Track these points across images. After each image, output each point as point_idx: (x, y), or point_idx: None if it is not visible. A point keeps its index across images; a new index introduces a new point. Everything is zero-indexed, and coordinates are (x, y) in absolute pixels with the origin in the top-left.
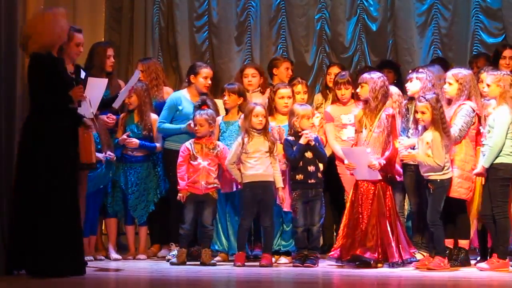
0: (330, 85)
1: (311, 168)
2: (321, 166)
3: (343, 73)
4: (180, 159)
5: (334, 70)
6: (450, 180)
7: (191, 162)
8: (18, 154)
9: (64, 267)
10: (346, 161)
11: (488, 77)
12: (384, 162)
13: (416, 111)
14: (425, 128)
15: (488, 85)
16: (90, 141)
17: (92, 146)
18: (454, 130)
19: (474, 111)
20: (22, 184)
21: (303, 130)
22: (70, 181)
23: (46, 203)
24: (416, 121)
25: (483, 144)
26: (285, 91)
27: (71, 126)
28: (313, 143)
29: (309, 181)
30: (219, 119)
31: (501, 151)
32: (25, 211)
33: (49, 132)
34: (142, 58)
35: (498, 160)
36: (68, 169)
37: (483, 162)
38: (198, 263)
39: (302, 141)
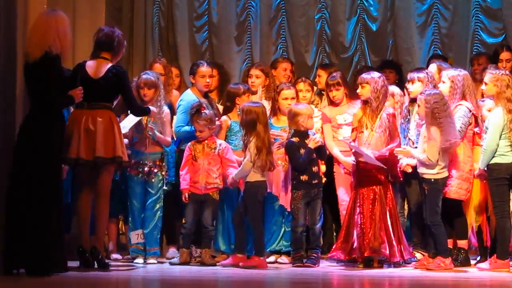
0: (319, 86)
1: (315, 169)
2: (323, 167)
3: (334, 74)
4: (183, 160)
5: (320, 72)
6: (444, 180)
7: (192, 162)
8: (15, 152)
9: (46, 266)
10: (352, 152)
11: (487, 75)
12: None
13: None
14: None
15: (485, 84)
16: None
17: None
18: None
19: (470, 111)
20: (17, 181)
21: (307, 129)
22: (58, 178)
23: (34, 200)
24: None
25: (481, 145)
26: (288, 92)
27: (62, 125)
28: (321, 144)
29: (313, 182)
30: (225, 119)
31: (495, 152)
32: (18, 209)
33: (46, 131)
34: (159, 58)
35: (492, 161)
36: (58, 167)
37: (479, 164)
38: (199, 263)
39: (312, 145)
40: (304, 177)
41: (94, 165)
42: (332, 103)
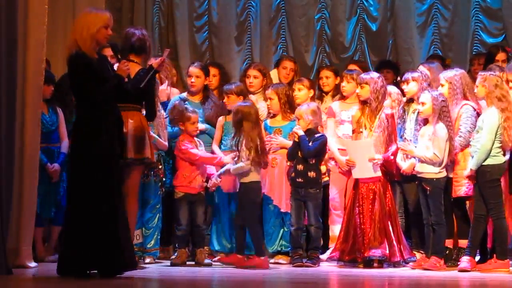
0: (324, 89)
1: (299, 167)
2: (323, 168)
3: (352, 69)
4: (190, 146)
5: (326, 73)
6: (445, 178)
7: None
8: (70, 156)
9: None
10: (347, 157)
11: (477, 77)
12: (391, 158)
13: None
14: (425, 122)
15: (476, 86)
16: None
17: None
18: (464, 133)
19: (475, 110)
20: (74, 185)
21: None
22: (115, 178)
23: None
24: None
25: (471, 145)
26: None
27: (116, 122)
28: (300, 133)
29: (297, 180)
30: (220, 119)
31: (490, 153)
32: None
33: (96, 131)
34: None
35: (485, 162)
36: (114, 165)
37: (471, 165)
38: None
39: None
40: (292, 174)
41: (125, 165)
42: (342, 97)
